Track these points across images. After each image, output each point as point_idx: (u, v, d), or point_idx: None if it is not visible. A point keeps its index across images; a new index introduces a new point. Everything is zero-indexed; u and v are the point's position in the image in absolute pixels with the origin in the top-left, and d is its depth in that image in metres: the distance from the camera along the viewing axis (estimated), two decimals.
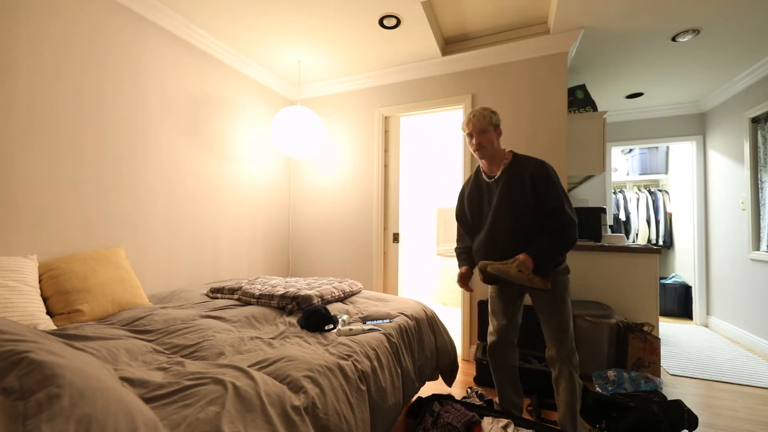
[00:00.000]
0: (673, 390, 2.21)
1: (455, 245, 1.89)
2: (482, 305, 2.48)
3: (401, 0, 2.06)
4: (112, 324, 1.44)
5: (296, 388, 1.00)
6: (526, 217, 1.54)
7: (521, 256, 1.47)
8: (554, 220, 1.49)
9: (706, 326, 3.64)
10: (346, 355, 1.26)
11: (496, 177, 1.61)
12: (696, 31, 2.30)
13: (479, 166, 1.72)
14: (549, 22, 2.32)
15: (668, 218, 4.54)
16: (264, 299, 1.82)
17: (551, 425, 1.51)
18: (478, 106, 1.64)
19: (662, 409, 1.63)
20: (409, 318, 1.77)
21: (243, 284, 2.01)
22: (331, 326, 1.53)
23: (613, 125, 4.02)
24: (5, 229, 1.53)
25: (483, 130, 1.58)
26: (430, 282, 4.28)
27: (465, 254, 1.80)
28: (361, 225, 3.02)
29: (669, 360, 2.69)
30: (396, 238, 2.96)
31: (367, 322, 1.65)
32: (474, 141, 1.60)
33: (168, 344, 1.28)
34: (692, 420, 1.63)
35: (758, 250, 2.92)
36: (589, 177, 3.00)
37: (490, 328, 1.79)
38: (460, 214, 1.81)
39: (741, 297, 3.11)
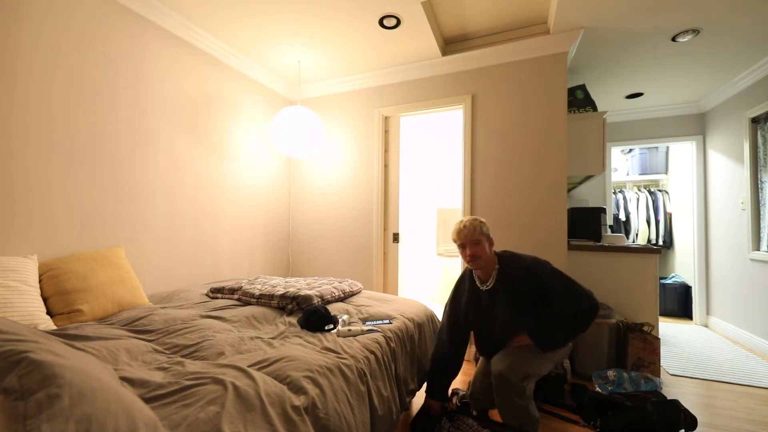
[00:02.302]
0: (673, 390, 2.21)
1: (431, 360, 1.72)
2: None
3: (401, 0, 2.06)
4: (112, 324, 1.44)
5: (296, 388, 1.00)
6: (526, 321, 1.58)
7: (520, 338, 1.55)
8: (576, 309, 1.51)
9: (706, 326, 3.64)
10: (346, 355, 1.26)
11: (491, 287, 1.61)
12: (696, 31, 2.30)
13: (470, 271, 1.70)
14: (549, 22, 2.32)
15: (668, 218, 4.54)
16: (264, 299, 1.82)
17: None
18: (466, 217, 1.62)
19: (657, 409, 1.63)
20: (409, 319, 1.77)
21: (243, 284, 2.01)
22: (331, 326, 1.53)
23: (613, 125, 4.02)
24: (5, 229, 1.53)
25: (476, 240, 1.55)
26: (430, 282, 4.28)
27: (440, 376, 1.67)
28: (361, 225, 3.02)
29: (669, 360, 2.69)
30: (396, 238, 2.96)
31: (367, 323, 1.65)
32: (468, 252, 1.56)
33: (168, 344, 1.28)
34: (689, 420, 1.63)
35: (758, 250, 2.92)
36: (589, 177, 3.00)
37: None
38: (453, 322, 1.71)
39: (741, 297, 3.11)
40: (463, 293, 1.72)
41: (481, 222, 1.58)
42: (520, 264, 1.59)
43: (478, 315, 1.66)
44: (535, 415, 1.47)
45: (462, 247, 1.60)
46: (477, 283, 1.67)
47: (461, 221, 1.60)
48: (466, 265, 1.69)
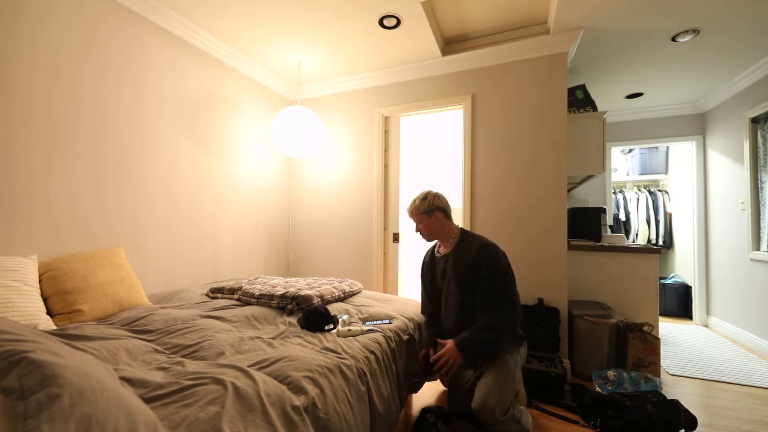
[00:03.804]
0: (672, 390, 2.21)
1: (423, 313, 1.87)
2: None
3: (401, 0, 2.06)
4: (112, 324, 1.44)
5: (296, 388, 1.00)
6: (466, 301, 1.60)
7: (449, 347, 1.53)
8: (484, 316, 1.53)
9: (706, 326, 3.64)
10: (346, 355, 1.26)
11: (443, 255, 1.72)
12: (696, 31, 2.30)
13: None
14: (549, 22, 2.32)
15: (668, 218, 4.54)
16: (264, 299, 1.82)
17: None
18: (419, 193, 1.75)
19: (657, 409, 1.63)
20: (409, 319, 1.77)
21: (243, 284, 2.01)
22: (331, 326, 1.52)
23: (613, 125, 4.02)
24: (5, 229, 1.53)
25: (417, 220, 1.72)
26: None
27: (433, 327, 1.77)
28: (361, 225, 3.02)
29: (669, 360, 2.69)
30: (396, 238, 2.96)
31: (367, 323, 1.65)
32: (415, 229, 1.76)
33: (168, 344, 1.28)
34: (689, 420, 1.63)
35: (758, 250, 2.92)
36: (589, 177, 3.00)
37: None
38: (422, 286, 1.87)
39: (741, 297, 3.11)
40: (426, 260, 1.86)
41: (422, 201, 1.69)
42: (475, 243, 1.63)
43: (436, 280, 1.77)
44: (527, 422, 1.52)
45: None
46: (436, 251, 1.80)
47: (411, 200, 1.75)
48: None
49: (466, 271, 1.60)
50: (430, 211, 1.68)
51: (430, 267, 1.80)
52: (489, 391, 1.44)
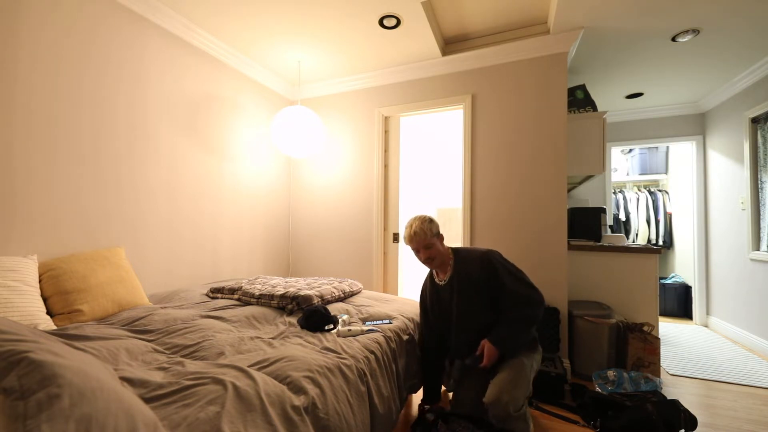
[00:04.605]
0: (672, 390, 2.21)
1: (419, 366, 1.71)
2: None
3: (401, 0, 2.06)
4: (112, 324, 1.44)
5: (296, 388, 1.00)
6: (488, 316, 1.57)
7: (485, 347, 1.51)
8: (516, 310, 1.52)
9: (706, 326, 3.63)
10: (346, 355, 1.26)
11: (446, 281, 1.65)
12: (696, 31, 2.30)
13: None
14: (549, 22, 2.32)
15: (668, 218, 4.54)
16: (264, 299, 1.82)
17: None
18: (414, 219, 1.63)
19: (657, 409, 1.63)
20: (409, 319, 1.77)
21: (243, 284, 2.01)
22: (331, 326, 1.52)
23: (613, 125, 4.02)
24: (5, 229, 1.53)
25: (429, 244, 1.59)
26: None
27: (441, 358, 1.74)
28: (361, 225, 3.02)
29: (669, 360, 2.69)
30: (396, 238, 2.96)
31: (367, 323, 1.65)
32: (423, 256, 1.62)
33: (168, 344, 1.28)
34: (689, 420, 1.63)
35: (758, 250, 2.92)
36: (589, 177, 3.00)
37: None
38: (424, 318, 1.77)
39: (741, 297, 3.11)
40: (426, 290, 1.76)
41: (429, 224, 1.61)
42: (473, 255, 1.62)
43: (441, 311, 1.68)
44: (530, 422, 1.51)
45: (416, 251, 1.63)
46: (436, 279, 1.71)
47: (411, 226, 1.63)
48: None
49: (477, 286, 1.56)
50: (439, 233, 1.63)
51: (435, 297, 1.70)
52: (503, 387, 1.43)
